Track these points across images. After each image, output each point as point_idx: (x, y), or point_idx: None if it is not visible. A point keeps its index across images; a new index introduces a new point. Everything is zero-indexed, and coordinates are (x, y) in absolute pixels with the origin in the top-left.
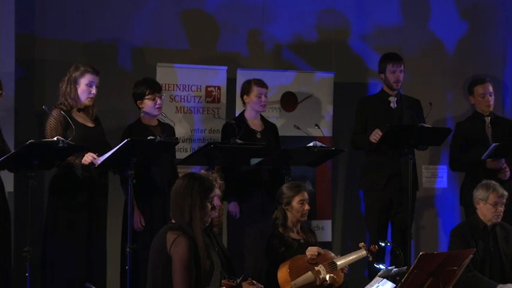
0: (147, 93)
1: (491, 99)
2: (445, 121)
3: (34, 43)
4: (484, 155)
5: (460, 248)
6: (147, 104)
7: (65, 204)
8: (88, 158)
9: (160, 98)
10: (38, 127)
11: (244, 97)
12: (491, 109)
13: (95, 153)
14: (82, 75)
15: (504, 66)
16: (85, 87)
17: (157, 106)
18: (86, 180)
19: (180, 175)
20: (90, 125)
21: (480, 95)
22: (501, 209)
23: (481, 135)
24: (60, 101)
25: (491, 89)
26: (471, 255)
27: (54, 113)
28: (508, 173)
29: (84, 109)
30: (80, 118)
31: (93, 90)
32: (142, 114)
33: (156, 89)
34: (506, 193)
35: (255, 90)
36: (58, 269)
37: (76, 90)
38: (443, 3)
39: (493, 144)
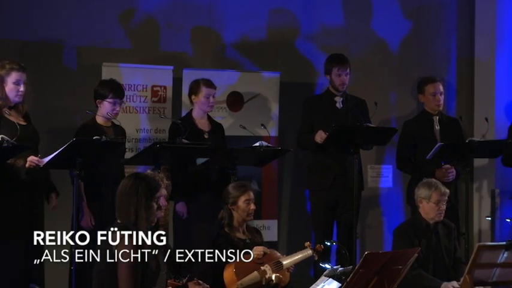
0: (109, 96)
1: (441, 99)
2: (390, 121)
3: None
4: (429, 154)
5: (404, 247)
6: (105, 106)
7: (2, 203)
8: (32, 163)
9: (120, 104)
10: None
11: (192, 97)
12: (440, 108)
13: (32, 151)
14: (8, 73)
15: (448, 66)
16: (12, 86)
17: (115, 112)
18: (25, 179)
19: (126, 175)
20: (22, 122)
21: (431, 93)
22: (443, 207)
23: (428, 135)
24: None
25: (441, 88)
26: (416, 254)
27: None
28: (453, 174)
29: (14, 106)
30: (11, 117)
31: (21, 88)
32: (91, 113)
33: (119, 94)
34: (448, 191)
35: (204, 90)
36: None
37: (4, 89)
38: (387, 3)
39: (438, 144)
